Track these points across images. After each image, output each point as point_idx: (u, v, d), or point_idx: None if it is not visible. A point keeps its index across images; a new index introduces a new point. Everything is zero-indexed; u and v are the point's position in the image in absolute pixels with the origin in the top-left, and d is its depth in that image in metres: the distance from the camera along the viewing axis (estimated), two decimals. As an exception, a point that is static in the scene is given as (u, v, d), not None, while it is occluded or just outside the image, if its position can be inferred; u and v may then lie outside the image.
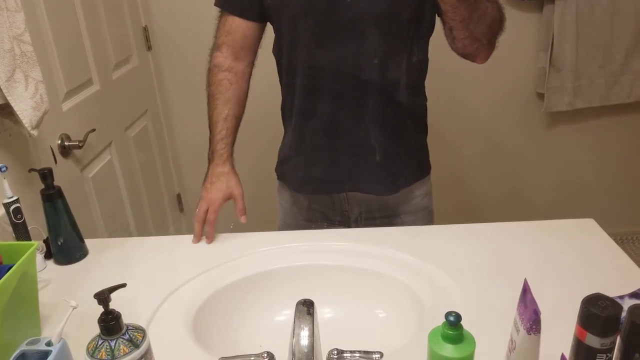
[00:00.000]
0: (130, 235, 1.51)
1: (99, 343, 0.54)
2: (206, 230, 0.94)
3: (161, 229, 1.77)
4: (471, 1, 0.76)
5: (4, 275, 0.63)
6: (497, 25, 0.85)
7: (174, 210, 1.94)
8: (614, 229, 1.02)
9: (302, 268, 0.82)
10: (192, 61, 1.81)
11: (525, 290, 0.52)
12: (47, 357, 0.56)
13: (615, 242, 0.84)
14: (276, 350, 0.63)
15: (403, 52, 0.90)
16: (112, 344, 0.54)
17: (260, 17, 0.94)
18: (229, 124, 0.96)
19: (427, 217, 1.06)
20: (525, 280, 0.53)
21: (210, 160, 0.97)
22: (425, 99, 1.01)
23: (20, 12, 0.87)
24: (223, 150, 0.96)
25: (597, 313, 0.48)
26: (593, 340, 0.49)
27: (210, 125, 0.97)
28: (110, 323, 0.54)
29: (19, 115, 0.87)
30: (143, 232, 1.60)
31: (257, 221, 1.71)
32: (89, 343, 0.55)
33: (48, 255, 0.89)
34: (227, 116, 0.96)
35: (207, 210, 0.94)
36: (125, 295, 0.59)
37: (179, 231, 1.97)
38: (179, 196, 2.00)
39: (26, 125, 0.88)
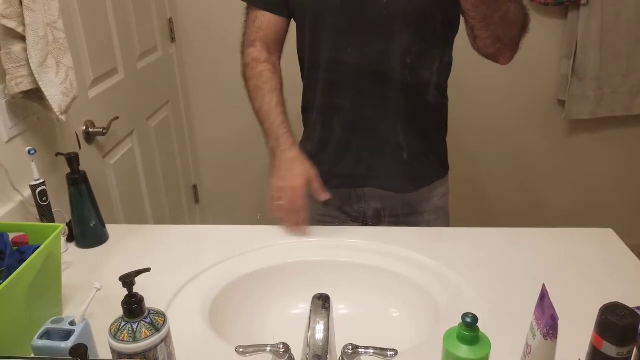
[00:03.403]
0: (146, 223, 1.54)
1: (122, 325, 0.55)
2: (300, 218, 0.88)
3: (177, 219, 1.80)
4: (492, 1, 0.76)
5: (30, 255, 0.65)
6: (520, 26, 0.85)
7: (189, 201, 1.96)
8: (632, 240, 1.01)
9: (319, 263, 0.83)
10: (214, 53, 1.83)
11: (543, 295, 0.52)
12: (70, 336, 0.58)
13: (634, 253, 0.83)
14: (289, 343, 0.64)
15: (435, 53, 0.91)
16: (135, 326, 0.55)
17: (289, 13, 0.96)
18: (282, 109, 0.93)
19: (443, 218, 1.07)
20: (543, 285, 0.53)
21: (275, 148, 0.91)
22: (448, 99, 1.02)
23: (55, 0, 0.89)
24: (287, 135, 0.91)
25: (615, 322, 0.47)
26: (610, 349, 0.49)
27: (261, 116, 0.94)
28: (134, 306, 0.55)
29: (49, 100, 0.89)
30: (159, 220, 1.62)
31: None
32: (112, 324, 0.56)
33: (70, 238, 0.92)
34: (277, 103, 0.93)
35: (292, 199, 0.87)
36: (143, 281, 0.60)
37: (193, 221, 2.00)
38: (195, 187, 2.02)
39: (55, 110, 0.90)
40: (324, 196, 0.88)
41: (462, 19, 0.90)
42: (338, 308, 0.71)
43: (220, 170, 2.03)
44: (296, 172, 0.88)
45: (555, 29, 1.75)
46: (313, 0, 0.90)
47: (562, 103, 1.82)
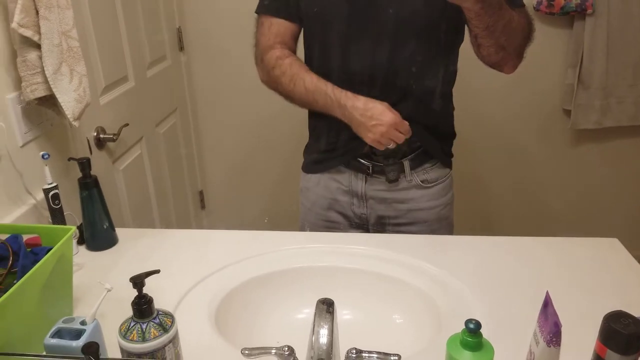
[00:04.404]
0: (153, 227, 1.55)
1: (131, 325, 0.57)
2: (405, 127, 0.91)
3: (183, 224, 1.81)
4: (495, 9, 0.77)
5: (43, 256, 0.67)
6: (524, 35, 0.86)
7: (196, 207, 1.98)
8: (637, 250, 1.01)
9: (324, 269, 0.84)
10: (222, 62, 1.86)
11: (547, 302, 0.53)
12: (81, 335, 0.59)
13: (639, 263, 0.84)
14: (294, 346, 0.64)
15: (440, 62, 0.93)
16: (144, 326, 0.56)
17: (302, 21, 0.98)
18: (325, 80, 0.93)
19: (447, 228, 1.07)
20: (547, 292, 0.54)
21: (344, 109, 0.91)
22: (453, 106, 1.03)
23: (69, 9, 0.92)
24: (344, 93, 0.91)
25: (619, 330, 0.48)
26: (613, 357, 0.49)
27: (310, 96, 0.93)
28: (143, 307, 0.56)
29: (63, 107, 0.91)
30: (166, 225, 1.64)
31: (282, 219, 1.73)
32: (122, 324, 0.57)
33: (81, 241, 0.94)
34: (318, 78, 0.93)
35: (390, 123, 0.89)
36: (152, 282, 0.61)
37: (200, 227, 2.01)
38: (201, 193, 2.04)
39: (69, 116, 0.92)
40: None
41: (466, 28, 0.92)
42: (342, 313, 0.72)
43: (227, 177, 2.05)
44: (375, 103, 0.90)
45: (561, 39, 1.76)
46: (322, 10, 0.92)
47: (567, 112, 1.83)
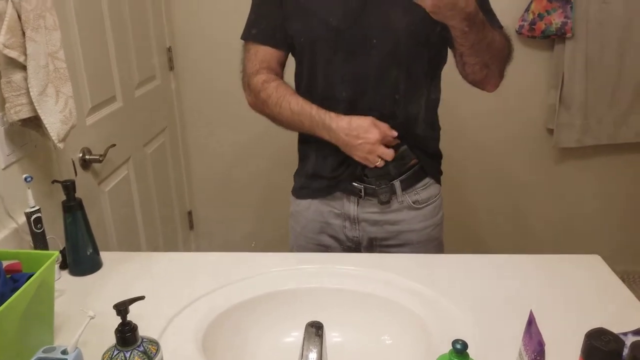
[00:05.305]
0: (140, 249, 1.53)
1: (115, 354, 0.56)
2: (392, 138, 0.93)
3: (171, 245, 1.79)
4: (480, 28, 0.81)
5: (24, 282, 0.65)
6: (504, 53, 0.90)
7: (184, 227, 1.96)
8: (619, 266, 1.03)
9: (312, 290, 0.83)
10: (212, 82, 1.87)
11: (531, 321, 0.53)
12: (61, 365, 0.57)
13: (621, 279, 0.85)
14: (282, 371, 0.64)
15: (423, 89, 0.95)
16: (127, 355, 0.55)
17: (288, 47, 0.99)
18: (310, 103, 0.94)
19: (437, 249, 1.08)
20: (530, 311, 0.54)
21: (328, 128, 0.92)
22: (439, 128, 1.05)
23: (57, 31, 0.92)
24: (329, 113, 0.93)
25: (600, 347, 0.49)
26: (596, 375, 0.50)
27: (296, 118, 0.94)
28: (127, 334, 0.55)
29: (47, 128, 0.91)
30: (153, 247, 1.62)
31: (271, 241, 1.72)
32: (105, 353, 0.56)
33: (63, 266, 0.92)
34: (304, 100, 0.94)
35: (379, 136, 0.90)
36: (136, 308, 0.60)
37: (188, 248, 1.99)
38: (190, 214, 2.03)
39: (53, 138, 0.92)
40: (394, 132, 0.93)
41: (449, 51, 0.95)
42: (331, 335, 0.71)
43: (215, 197, 2.04)
44: (359, 121, 0.91)
45: (543, 61, 1.82)
46: (309, 39, 0.94)
47: (551, 131, 1.87)
